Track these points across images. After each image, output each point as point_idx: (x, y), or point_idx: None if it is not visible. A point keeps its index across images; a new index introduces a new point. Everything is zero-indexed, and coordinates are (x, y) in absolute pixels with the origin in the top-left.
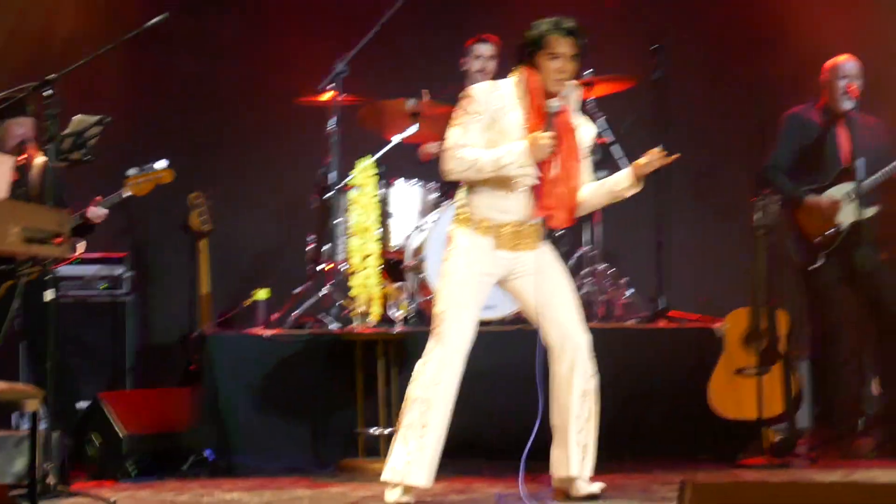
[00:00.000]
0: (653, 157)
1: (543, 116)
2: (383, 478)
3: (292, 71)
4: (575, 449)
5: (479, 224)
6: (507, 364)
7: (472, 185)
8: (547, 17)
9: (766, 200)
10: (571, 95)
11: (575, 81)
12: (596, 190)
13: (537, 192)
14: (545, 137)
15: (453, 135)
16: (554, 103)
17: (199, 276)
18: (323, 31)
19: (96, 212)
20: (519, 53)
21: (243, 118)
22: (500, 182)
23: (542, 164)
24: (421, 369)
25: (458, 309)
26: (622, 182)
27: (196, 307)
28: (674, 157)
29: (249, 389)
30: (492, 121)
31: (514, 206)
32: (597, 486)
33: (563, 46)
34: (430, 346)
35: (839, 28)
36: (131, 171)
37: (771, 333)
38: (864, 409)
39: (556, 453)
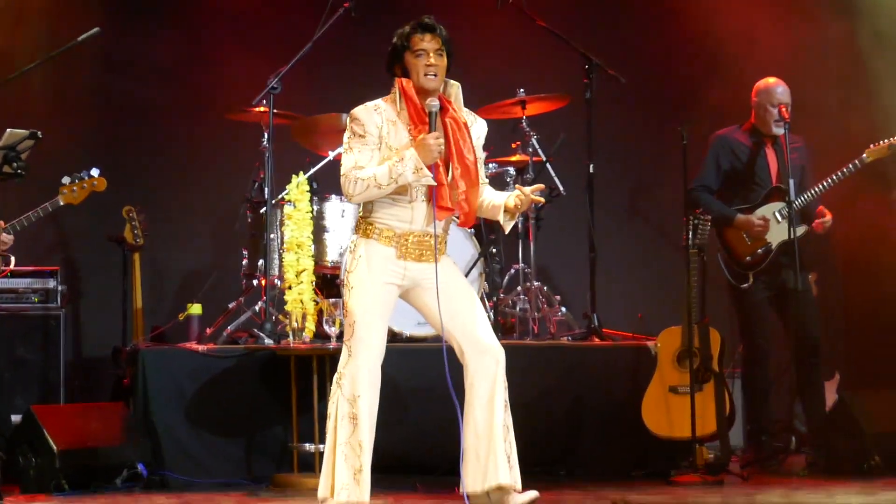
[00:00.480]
0: (524, 198)
1: (426, 118)
2: (338, 498)
3: (225, 87)
4: (502, 457)
5: (381, 234)
6: (441, 379)
7: None
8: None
9: (698, 220)
10: (452, 92)
11: (453, 81)
12: (487, 200)
13: (436, 194)
14: (431, 137)
15: (346, 160)
16: (433, 102)
17: (132, 289)
18: (256, 47)
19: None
20: (389, 65)
21: (177, 133)
22: (401, 191)
23: (436, 166)
24: (338, 383)
25: (367, 319)
26: (499, 213)
27: (129, 321)
28: (541, 199)
29: (183, 404)
30: (380, 139)
31: (415, 216)
32: (532, 494)
33: (426, 42)
34: (343, 359)
35: (767, 48)
36: (65, 180)
37: (703, 352)
38: (796, 428)
39: (477, 467)
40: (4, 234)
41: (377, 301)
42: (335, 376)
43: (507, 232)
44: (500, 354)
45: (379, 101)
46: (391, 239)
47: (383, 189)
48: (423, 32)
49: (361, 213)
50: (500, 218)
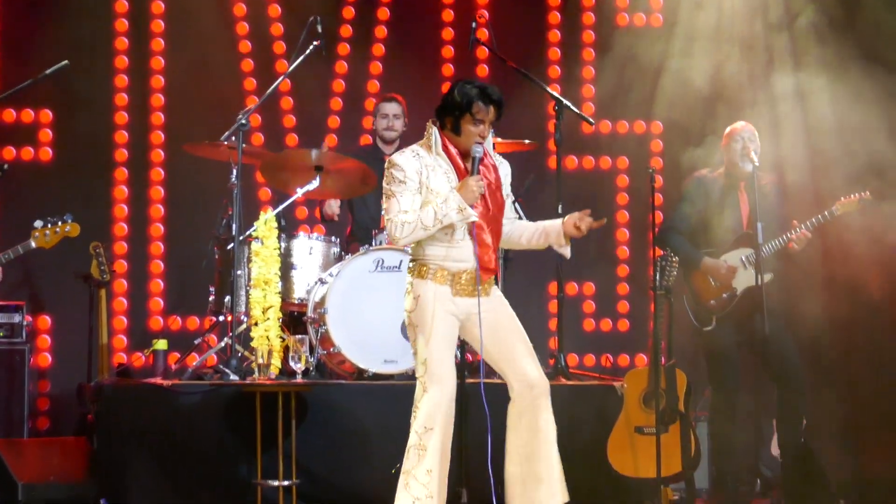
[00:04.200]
0: (583, 222)
1: (466, 165)
2: None
3: (193, 123)
4: (560, 477)
5: (435, 274)
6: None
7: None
8: (471, 82)
9: (665, 261)
10: (488, 139)
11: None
12: (531, 231)
13: (478, 256)
14: (473, 179)
15: (391, 206)
16: (478, 148)
17: (97, 325)
18: (225, 83)
19: None
20: (440, 113)
21: (143, 170)
22: (450, 231)
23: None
24: (413, 416)
25: (437, 356)
26: (557, 238)
27: (94, 357)
28: (601, 221)
29: (147, 440)
30: (420, 185)
31: (466, 254)
32: None
33: (487, 114)
34: (418, 394)
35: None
36: (37, 224)
37: (670, 393)
38: (762, 472)
39: (541, 490)
40: None
41: (443, 336)
42: (413, 408)
43: (568, 257)
44: (544, 386)
45: (416, 148)
46: (445, 278)
47: (429, 230)
48: (487, 105)
49: (413, 256)
50: (557, 241)
